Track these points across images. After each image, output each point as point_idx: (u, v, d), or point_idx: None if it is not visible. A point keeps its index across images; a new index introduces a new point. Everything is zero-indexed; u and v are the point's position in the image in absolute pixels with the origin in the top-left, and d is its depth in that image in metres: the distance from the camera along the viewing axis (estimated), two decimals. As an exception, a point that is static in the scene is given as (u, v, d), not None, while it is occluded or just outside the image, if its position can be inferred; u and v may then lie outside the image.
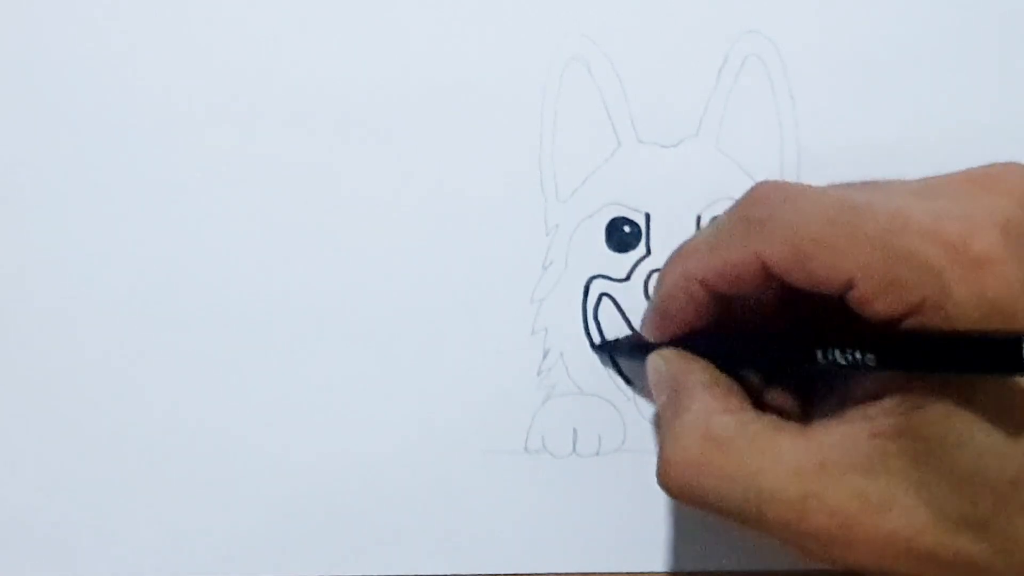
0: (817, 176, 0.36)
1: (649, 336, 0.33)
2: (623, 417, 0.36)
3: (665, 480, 0.30)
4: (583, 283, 0.36)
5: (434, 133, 0.36)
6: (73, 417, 0.35)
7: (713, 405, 0.30)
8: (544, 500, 0.35)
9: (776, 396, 0.32)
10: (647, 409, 0.36)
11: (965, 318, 0.26)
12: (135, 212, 0.36)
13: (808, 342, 0.29)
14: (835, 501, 0.27)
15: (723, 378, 0.31)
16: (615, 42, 0.36)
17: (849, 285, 0.27)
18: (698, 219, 0.36)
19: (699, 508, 0.29)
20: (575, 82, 0.36)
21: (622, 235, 0.36)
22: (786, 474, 0.28)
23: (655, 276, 0.36)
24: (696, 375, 0.31)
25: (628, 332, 0.36)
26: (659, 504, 0.35)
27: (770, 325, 0.32)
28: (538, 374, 0.36)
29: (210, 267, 0.36)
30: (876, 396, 0.28)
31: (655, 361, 0.33)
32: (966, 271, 0.26)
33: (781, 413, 0.31)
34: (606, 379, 0.36)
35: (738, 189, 0.35)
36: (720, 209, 0.36)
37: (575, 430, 0.36)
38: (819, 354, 0.28)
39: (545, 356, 0.36)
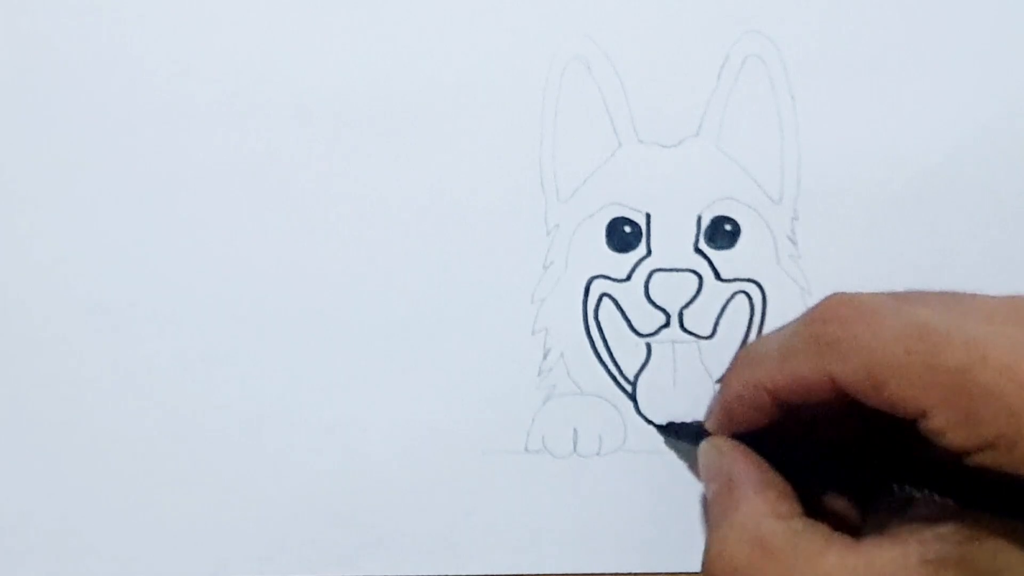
0: (817, 176, 0.36)
1: (711, 428, 0.33)
2: (623, 417, 0.36)
3: (709, 571, 0.30)
4: (583, 283, 0.36)
5: (434, 133, 0.36)
6: (73, 417, 0.35)
7: (764, 508, 0.30)
8: (544, 500, 0.35)
9: (831, 499, 0.32)
10: (647, 410, 0.36)
11: None
12: (136, 212, 0.36)
13: (878, 464, 0.29)
14: None
15: (778, 479, 0.31)
16: (615, 42, 0.36)
17: (923, 415, 0.27)
18: (698, 219, 0.36)
19: None
20: (575, 82, 0.36)
21: (622, 235, 0.36)
22: None
23: (656, 276, 0.36)
24: (751, 473, 0.31)
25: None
26: (659, 504, 0.35)
27: (835, 431, 0.32)
28: (538, 374, 0.36)
29: (210, 267, 0.36)
30: (931, 520, 0.28)
31: (710, 450, 0.33)
32: None
33: (834, 515, 0.31)
34: (606, 379, 0.36)
35: (738, 189, 0.36)
36: (720, 209, 0.36)
37: (575, 430, 0.36)
38: (895, 487, 0.28)
39: (545, 356, 0.36)
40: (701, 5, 0.36)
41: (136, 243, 0.36)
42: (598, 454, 0.36)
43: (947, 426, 0.27)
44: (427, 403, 0.36)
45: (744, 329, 0.36)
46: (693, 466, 0.35)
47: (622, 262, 0.36)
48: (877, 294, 0.30)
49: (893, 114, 0.36)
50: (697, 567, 0.35)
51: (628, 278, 0.36)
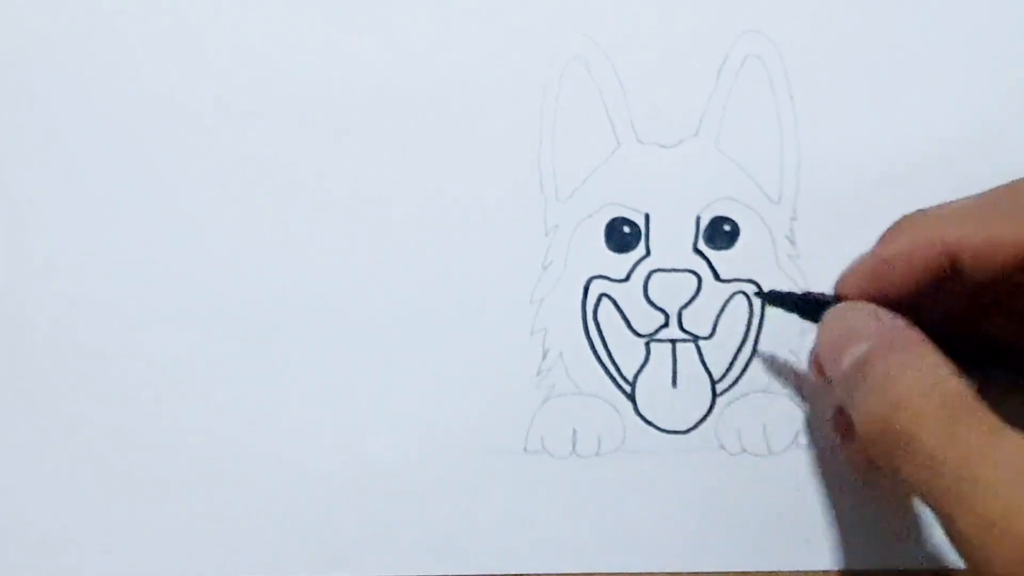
0: (816, 176, 0.36)
1: (849, 290, 0.31)
2: (623, 417, 0.36)
3: (885, 422, 0.27)
4: (583, 283, 0.36)
5: (434, 133, 0.36)
6: (74, 418, 0.35)
7: (944, 363, 0.28)
8: (544, 500, 0.35)
9: None
10: (646, 410, 0.36)
11: None
12: (137, 214, 0.36)
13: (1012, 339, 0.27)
14: None
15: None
16: (615, 42, 0.36)
17: None
18: (697, 219, 0.36)
19: (896, 464, 0.27)
20: (575, 82, 0.36)
21: (622, 235, 0.36)
22: (1010, 470, 0.25)
23: (655, 276, 0.36)
24: (914, 330, 0.29)
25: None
26: (658, 504, 0.35)
27: (971, 313, 0.30)
28: (537, 374, 0.36)
29: (210, 268, 0.36)
30: None
31: (851, 312, 0.30)
32: None
33: None
34: (605, 379, 0.36)
35: (737, 189, 0.36)
36: (719, 209, 0.36)
37: (574, 430, 0.36)
38: None
39: (544, 356, 0.36)
40: (701, 5, 0.36)
41: (138, 245, 0.36)
42: (597, 454, 0.36)
43: None
44: (426, 403, 0.36)
45: (743, 329, 0.36)
46: (692, 466, 0.35)
47: (621, 262, 0.36)
48: None
49: (892, 114, 0.36)
50: (698, 565, 0.35)
51: (627, 278, 0.36)
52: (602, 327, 0.36)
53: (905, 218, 0.31)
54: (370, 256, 0.36)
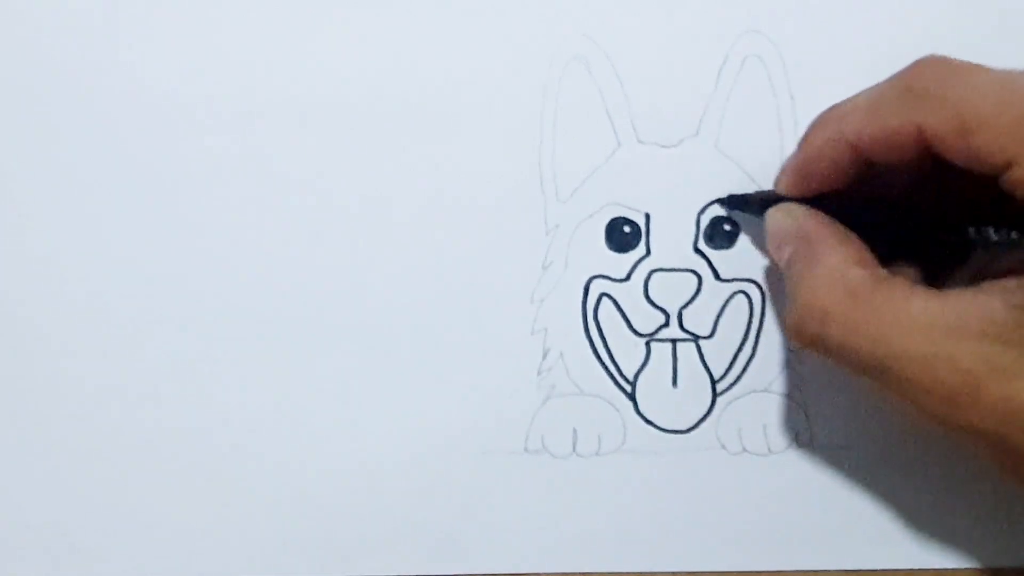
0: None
1: (784, 190, 0.33)
2: (623, 417, 0.36)
3: (798, 327, 0.30)
4: (583, 283, 0.36)
5: (434, 133, 0.36)
6: (74, 419, 0.35)
7: (849, 258, 0.30)
8: (544, 500, 0.35)
9: (902, 268, 0.32)
10: (647, 409, 0.36)
11: None
12: (137, 215, 0.36)
13: (953, 217, 0.29)
14: (965, 363, 0.27)
15: (855, 237, 0.31)
16: (615, 42, 0.36)
17: (1008, 165, 0.27)
18: (697, 219, 0.36)
19: (825, 357, 0.30)
20: (575, 82, 0.36)
21: (622, 235, 0.36)
22: (919, 332, 0.28)
23: (655, 276, 0.36)
24: (831, 229, 0.31)
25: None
26: (658, 504, 0.35)
27: (908, 197, 0.32)
28: (538, 374, 0.36)
29: (210, 268, 0.36)
30: (1016, 272, 0.28)
31: (780, 215, 0.33)
32: None
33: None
34: (606, 379, 0.36)
35: (738, 189, 0.36)
36: (719, 209, 0.36)
37: (575, 430, 0.36)
38: (972, 230, 0.29)
39: (545, 356, 0.36)
40: (701, 5, 0.36)
41: (138, 246, 0.36)
42: (597, 454, 0.36)
43: None
44: (426, 403, 0.36)
45: (743, 329, 0.36)
46: (692, 466, 0.35)
47: (621, 262, 0.36)
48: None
49: (892, 114, 0.36)
50: (698, 565, 0.35)
51: (627, 278, 0.36)
52: (602, 327, 0.36)
53: (820, 115, 0.33)
54: (370, 256, 0.36)
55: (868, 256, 0.31)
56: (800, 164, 0.33)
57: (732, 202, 0.36)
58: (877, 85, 0.31)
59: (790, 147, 0.36)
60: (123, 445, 0.35)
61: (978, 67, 0.29)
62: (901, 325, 0.28)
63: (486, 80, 0.36)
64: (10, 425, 0.35)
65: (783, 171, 0.34)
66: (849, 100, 0.32)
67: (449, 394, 0.36)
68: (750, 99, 0.36)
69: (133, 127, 0.36)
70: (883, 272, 0.30)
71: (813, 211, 0.32)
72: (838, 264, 0.30)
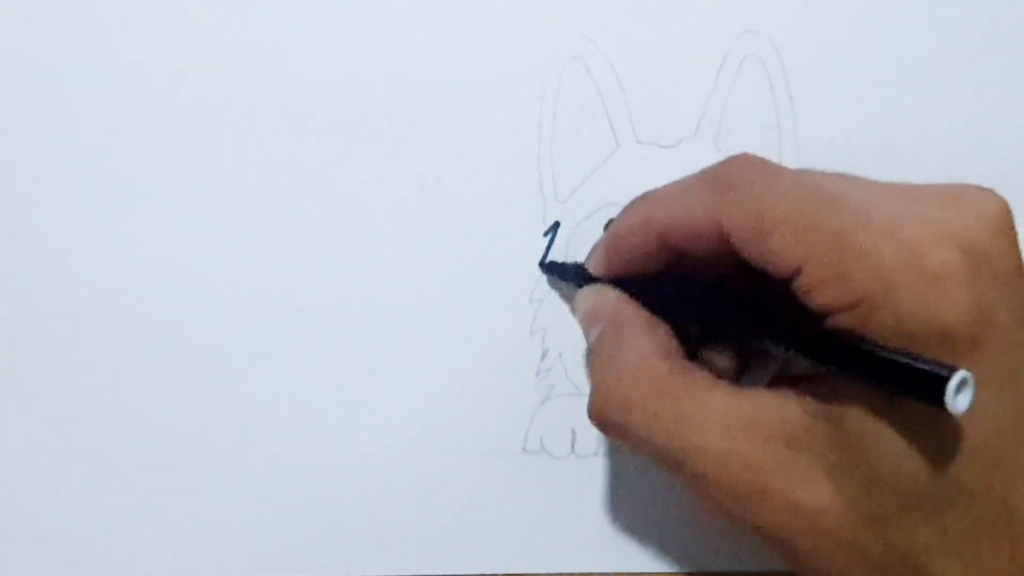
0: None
1: (594, 270, 0.34)
2: (622, 417, 0.36)
3: (598, 413, 0.31)
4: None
5: (433, 133, 0.36)
6: (75, 418, 0.36)
7: (654, 347, 0.30)
8: (543, 500, 0.36)
9: (711, 354, 0.32)
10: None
11: (902, 327, 0.26)
12: (137, 213, 0.36)
13: (747, 321, 0.29)
14: (756, 462, 0.28)
15: (662, 325, 0.32)
16: (614, 43, 0.36)
17: (798, 271, 0.27)
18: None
19: (625, 445, 0.31)
20: (574, 82, 0.36)
21: (621, 235, 0.36)
22: (714, 428, 0.28)
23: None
24: (639, 315, 0.32)
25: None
26: (658, 504, 0.35)
27: (718, 285, 0.32)
28: (537, 374, 0.36)
29: (210, 267, 0.36)
30: (810, 377, 0.28)
31: (591, 296, 0.33)
32: (915, 280, 0.26)
33: (713, 371, 0.31)
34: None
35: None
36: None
37: (574, 430, 0.36)
38: (755, 342, 0.29)
39: (544, 356, 0.36)
40: (699, 6, 0.36)
41: (137, 245, 0.36)
42: (596, 454, 0.36)
43: (817, 283, 0.27)
44: (425, 403, 0.36)
45: (742, 329, 0.36)
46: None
47: (621, 262, 0.36)
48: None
49: (892, 115, 0.36)
50: (698, 565, 0.35)
51: (627, 278, 0.36)
52: (601, 327, 0.36)
53: (633, 200, 0.33)
54: (369, 256, 0.36)
55: (674, 346, 0.31)
56: (609, 246, 0.33)
57: (551, 268, 0.36)
58: (690, 176, 0.31)
59: (789, 148, 0.36)
60: (122, 445, 0.35)
61: (786, 169, 0.29)
62: (699, 419, 0.29)
63: (485, 80, 0.36)
64: (10, 425, 0.36)
65: (594, 251, 0.34)
66: (662, 187, 0.32)
67: (448, 394, 0.36)
68: (749, 99, 0.36)
69: (133, 127, 0.36)
70: (687, 364, 0.30)
71: (623, 296, 0.33)
72: (644, 353, 0.30)
